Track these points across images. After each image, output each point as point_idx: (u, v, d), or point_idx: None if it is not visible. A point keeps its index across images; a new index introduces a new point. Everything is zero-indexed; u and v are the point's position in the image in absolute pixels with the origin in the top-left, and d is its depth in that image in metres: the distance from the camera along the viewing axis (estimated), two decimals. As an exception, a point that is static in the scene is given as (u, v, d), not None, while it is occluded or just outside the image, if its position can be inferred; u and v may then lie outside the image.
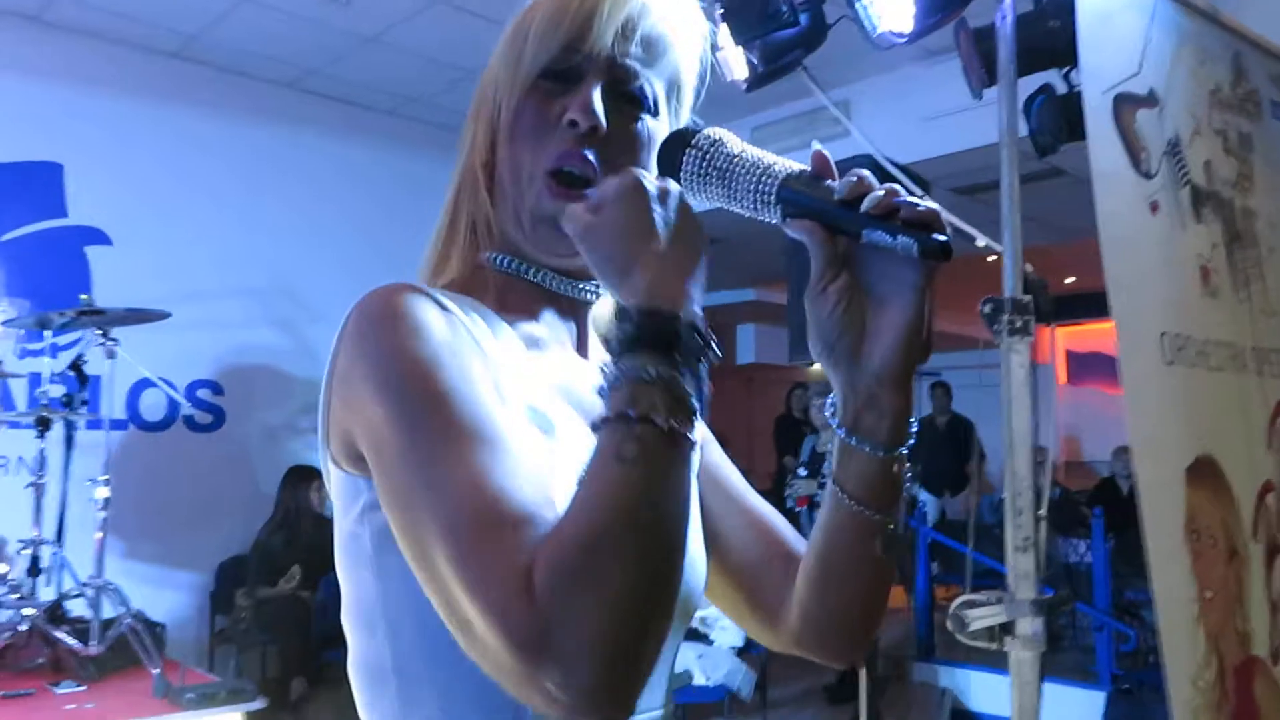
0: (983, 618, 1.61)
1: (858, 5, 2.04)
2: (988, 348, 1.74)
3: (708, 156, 0.71)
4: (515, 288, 0.79)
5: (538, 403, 0.72)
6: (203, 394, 4.91)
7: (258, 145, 5.07)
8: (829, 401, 0.74)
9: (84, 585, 3.22)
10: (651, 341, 0.60)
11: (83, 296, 3.49)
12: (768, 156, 0.71)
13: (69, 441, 3.66)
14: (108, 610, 3.21)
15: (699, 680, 3.82)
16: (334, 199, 5.22)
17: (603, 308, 0.86)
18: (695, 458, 0.61)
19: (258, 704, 3.10)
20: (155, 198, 4.73)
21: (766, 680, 4.17)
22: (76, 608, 3.41)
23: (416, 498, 0.61)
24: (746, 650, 3.96)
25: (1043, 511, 1.64)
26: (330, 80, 5.13)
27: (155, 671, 3.05)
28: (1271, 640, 1.73)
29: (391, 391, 0.64)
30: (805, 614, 0.80)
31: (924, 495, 6.89)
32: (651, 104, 0.77)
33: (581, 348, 0.83)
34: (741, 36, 2.17)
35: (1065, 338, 9.51)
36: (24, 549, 3.34)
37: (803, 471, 5.18)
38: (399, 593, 0.67)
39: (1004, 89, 1.70)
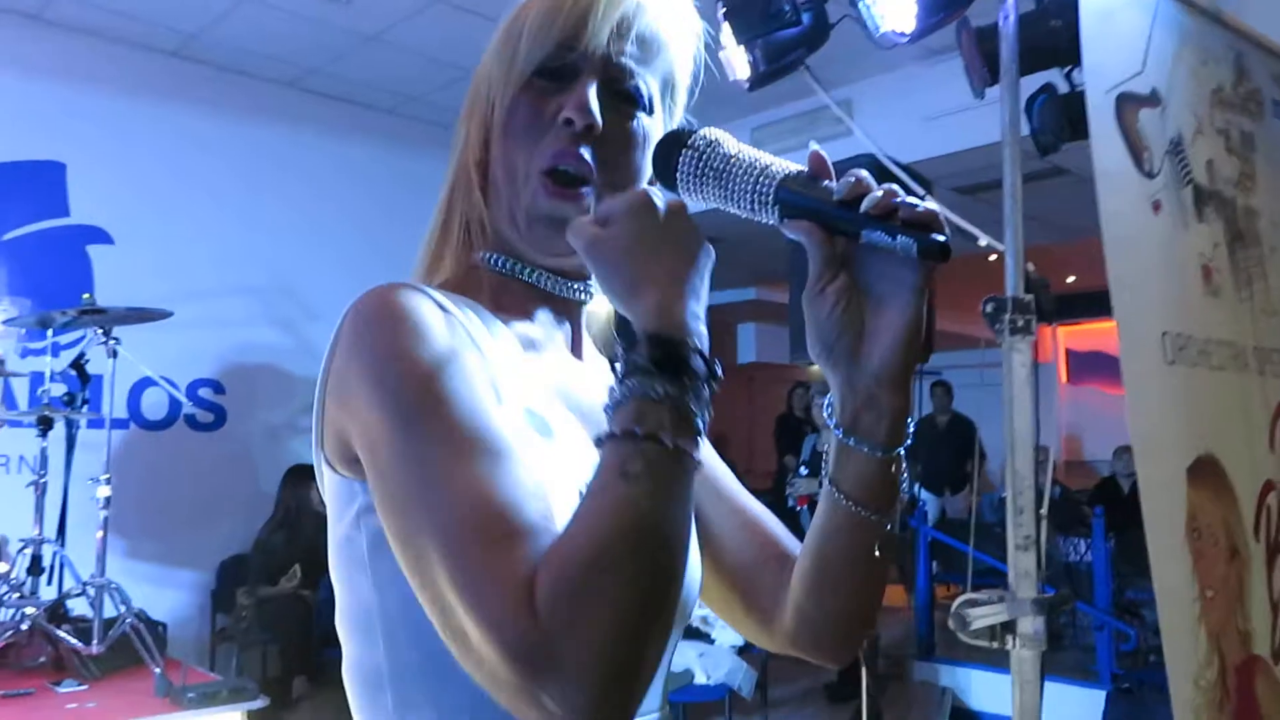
0: (984, 616, 1.61)
1: (860, 5, 2.04)
2: (989, 346, 1.74)
3: (704, 157, 0.70)
4: (510, 288, 0.78)
5: (535, 405, 0.71)
6: (204, 393, 4.91)
7: (258, 144, 5.07)
8: (826, 402, 0.73)
9: (85, 584, 3.22)
10: (660, 364, 0.60)
11: (85, 296, 3.49)
12: (764, 157, 0.70)
13: (70, 440, 3.67)
14: (109, 609, 3.21)
15: (700, 679, 3.82)
16: (334, 198, 5.22)
17: (597, 307, 0.86)
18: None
19: (259, 703, 3.10)
20: (156, 197, 4.74)
21: (767, 679, 4.18)
22: (78, 606, 3.41)
23: (414, 505, 0.60)
24: (747, 649, 3.96)
25: (1044, 510, 1.65)
26: (330, 79, 5.13)
27: (157, 670, 3.05)
28: (1273, 639, 1.73)
29: (389, 394, 0.63)
30: (800, 614, 0.80)
31: (924, 494, 6.89)
32: (647, 102, 0.77)
33: (576, 348, 0.83)
34: (744, 36, 2.17)
35: (1065, 337, 9.51)
36: (25, 548, 3.33)
37: (804, 470, 5.18)
38: (396, 599, 0.66)
39: (1006, 88, 1.70)
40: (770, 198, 0.69)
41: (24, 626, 3.13)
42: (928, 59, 4.35)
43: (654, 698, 0.75)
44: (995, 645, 1.63)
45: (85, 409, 3.61)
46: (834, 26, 2.19)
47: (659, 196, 0.68)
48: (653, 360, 0.60)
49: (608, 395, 0.61)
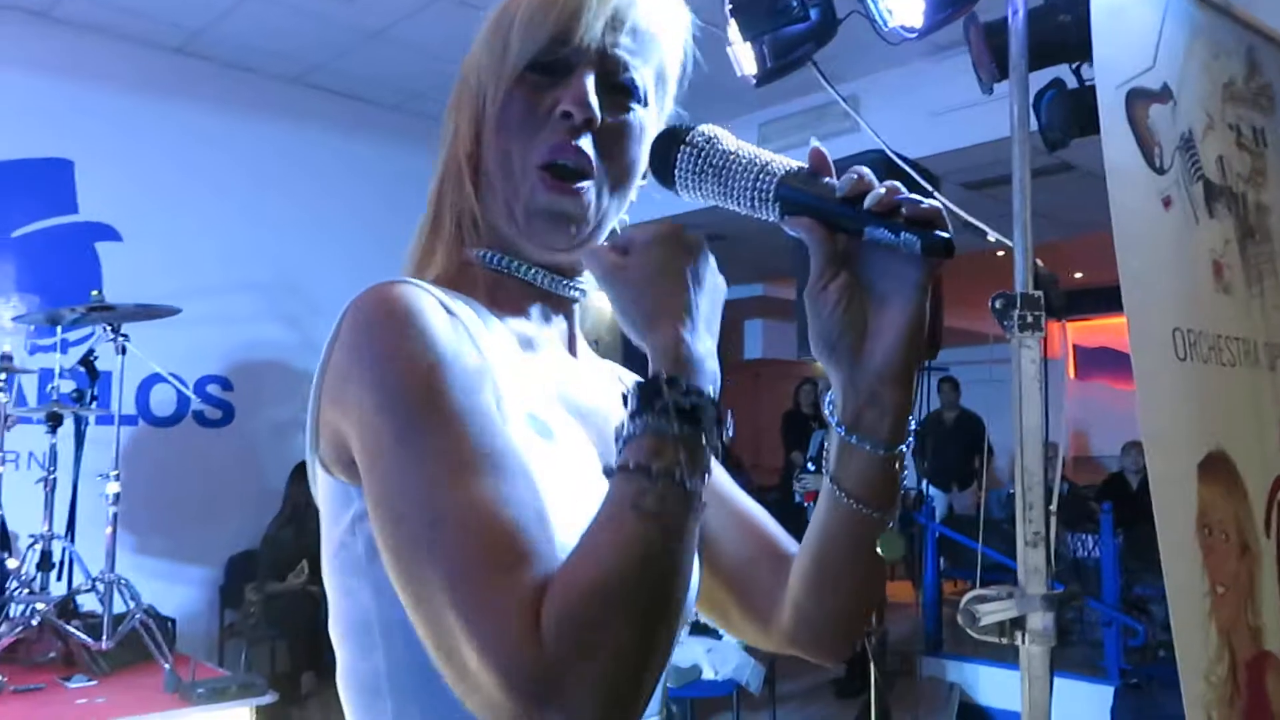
0: (993, 613, 1.61)
1: (869, 0, 2.04)
2: (997, 342, 1.74)
3: (703, 154, 0.70)
4: (505, 285, 0.77)
5: (535, 409, 0.71)
6: (212, 389, 4.93)
7: (263, 140, 5.08)
8: (828, 399, 0.73)
9: (95, 580, 3.23)
10: (677, 405, 0.60)
11: (94, 292, 3.50)
12: (763, 154, 0.70)
13: (80, 437, 3.68)
14: (119, 605, 3.23)
15: (708, 675, 3.82)
16: (339, 194, 5.23)
17: (594, 303, 0.85)
18: None
19: (268, 698, 3.11)
20: (163, 193, 4.75)
21: (775, 674, 4.18)
22: (88, 602, 3.43)
23: (412, 521, 0.59)
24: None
25: (1053, 507, 1.64)
26: (335, 75, 5.13)
27: (166, 666, 3.06)
28: (1283, 636, 1.72)
29: (390, 400, 0.61)
30: (799, 613, 0.80)
31: (932, 490, 6.88)
32: (642, 95, 0.76)
33: (571, 346, 0.83)
34: (751, 32, 2.16)
35: (1073, 333, 9.49)
36: (35, 544, 3.35)
37: (811, 467, 5.18)
38: (395, 607, 0.63)
39: (1016, 84, 1.69)
40: (771, 194, 0.68)
41: (34, 622, 3.14)
42: (935, 54, 4.33)
43: (653, 701, 0.74)
44: (1005, 641, 1.63)
45: (94, 405, 3.62)
46: (841, 22, 2.18)
47: (682, 231, 0.68)
48: (671, 400, 0.60)
49: (621, 426, 0.61)
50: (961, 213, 1.96)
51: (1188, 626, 1.50)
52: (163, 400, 4.75)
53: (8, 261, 4.46)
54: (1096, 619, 5.10)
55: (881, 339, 0.68)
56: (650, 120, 0.78)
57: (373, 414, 0.62)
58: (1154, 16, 1.72)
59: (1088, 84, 2.01)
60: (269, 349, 5.01)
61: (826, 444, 0.74)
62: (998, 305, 1.65)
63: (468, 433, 0.60)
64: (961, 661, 5.02)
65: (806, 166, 0.69)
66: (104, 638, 3.13)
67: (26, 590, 3.24)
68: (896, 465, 0.71)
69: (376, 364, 0.63)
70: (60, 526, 3.51)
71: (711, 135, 0.71)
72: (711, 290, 0.68)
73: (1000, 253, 2.34)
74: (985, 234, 2.11)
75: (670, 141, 0.71)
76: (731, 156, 0.70)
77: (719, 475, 0.88)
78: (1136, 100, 1.63)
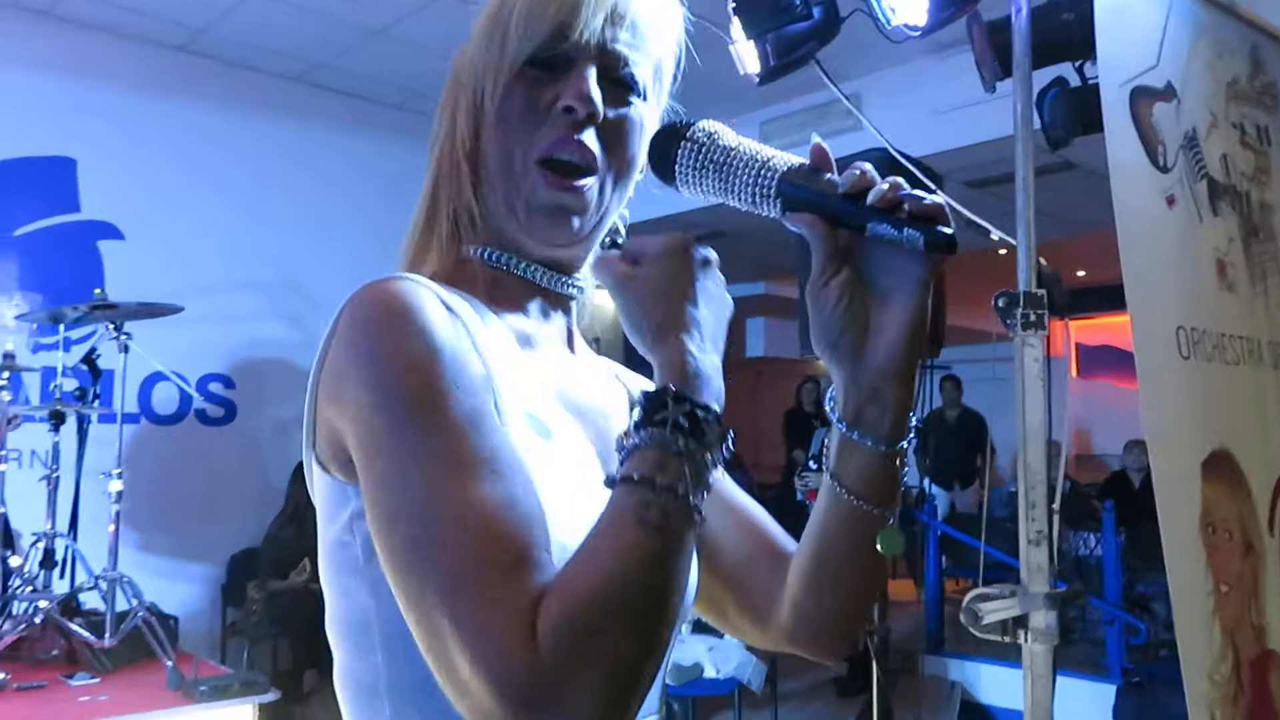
0: (996, 611, 1.61)
1: (871, -2, 2.03)
2: (1000, 340, 1.73)
3: (704, 150, 0.70)
4: (503, 282, 0.77)
5: (534, 407, 0.70)
6: (214, 388, 4.94)
7: (266, 139, 5.09)
8: (829, 395, 0.73)
9: (98, 578, 3.24)
10: (685, 419, 0.60)
11: (96, 291, 3.50)
12: (764, 149, 0.70)
13: (82, 435, 3.69)
14: (121, 603, 3.23)
15: (709, 673, 3.82)
16: (342, 192, 5.23)
17: (593, 302, 0.85)
18: None
19: (270, 696, 3.11)
20: (166, 192, 4.75)
21: (777, 673, 4.18)
22: (90, 600, 3.43)
23: (409, 522, 0.58)
24: (756, 643, 3.95)
25: (1056, 505, 1.64)
26: (337, 74, 5.13)
27: (169, 664, 3.07)
28: (1287, 635, 1.72)
29: (388, 399, 0.61)
30: (798, 610, 0.79)
31: (934, 489, 6.88)
32: (641, 90, 0.76)
33: (569, 343, 0.83)
34: (754, 30, 2.17)
35: (1075, 331, 9.48)
36: (38, 542, 3.35)
37: (812, 465, 5.18)
38: (394, 608, 0.62)
39: (1019, 82, 1.69)
40: (772, 191, 0.68)
41: (37, 620, 3.14)
42: (937, 52, 4.33)
43: (653, 698, 0.74)
44: (1007, 640, 1.63)
45: (97, 404, 3.62)
46: (844, 20, 2.18)
47: (693, 245, 0.68)
48: (676, 415, 0.60)
49: (625, 434, 0.61)
50: (964, 211, 1.96)
51: (1191, 625, 1.49)
52: (165, 398, 4.75)
53: (10, 260, 4.47)
54: (1098, 617, 5.10)
55: (883, 335, 0.68)
56: (649, 115, 0.77)
57: (370, 412, 0.61)
58: (1158, 15, 1.72)
59: (1090, 82, 2.01)
60: (271, 347, 5.01)
61: (827, 442, 0.74)
62: (1001, 304, 1.65)
63: (466, 433, 0.60)
64: (963, 660, 5.02)
65: (808, 163, 0.69)
66: (107, 635, 3.13)
67: (29, 588, 3.24)
68: (897, 462, 0.71)
69: (374, 362, 0.62)
70: (63, 524, 3.51)
71: (712, 131, 0.71)
72: (719, 305, 0.68)
73: (1003, 251, 2.34)
74: (988, 232, 2.11)
75: (671, 137, 0.71)
76: (733, 152, 0.69)
77: (717, 475, 0.88)
78: (1140, 98, 1.63)
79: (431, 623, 0.56)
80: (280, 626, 4.51)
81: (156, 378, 4.56)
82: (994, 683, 4.82)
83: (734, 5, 2.17)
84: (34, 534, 3.39)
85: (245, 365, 4.99)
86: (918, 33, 2.03)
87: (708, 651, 3.83)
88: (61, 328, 3.61)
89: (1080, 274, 7.72)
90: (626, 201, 0.79)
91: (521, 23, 0.72)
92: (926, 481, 6.67)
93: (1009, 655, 4.11)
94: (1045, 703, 1.58)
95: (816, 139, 0.69)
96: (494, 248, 0.76)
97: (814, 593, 0.78)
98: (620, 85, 0.74)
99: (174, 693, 2.99)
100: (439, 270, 0.76)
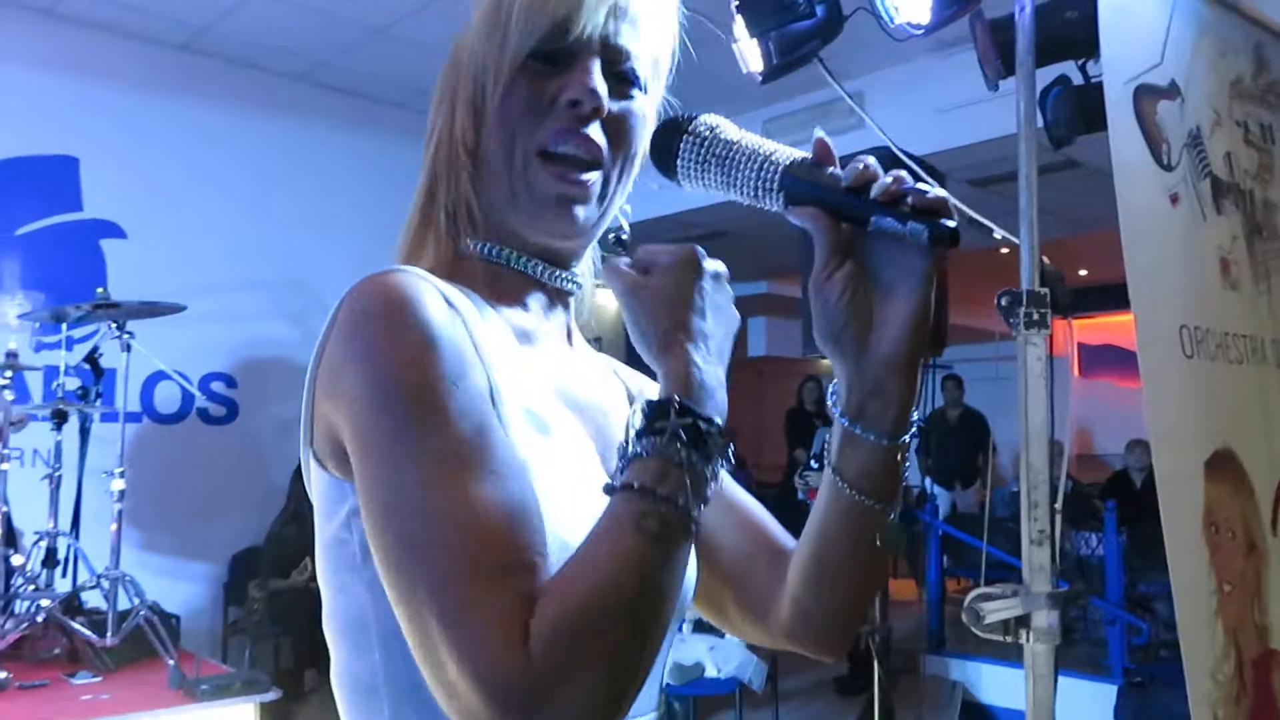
0: (998, 611, 1.61)
1: (874, -4, 2.03)
2: (1003, 339, 1.73)
3: (706, 143, 0.70)
4: (502, 276, 0.76)
5: (533, 403, 0.70)
6: (216, 387, 4.94)
7: (269, 137, 5.09)
8: (831, 389, 0.73)
9: (100, 576, 3.24)
10: (687, 431, 0.61)
11: (99, 290, 3.50)
12: (767, 143, 0.70)
13: (84, 434, 3.69)
14: (123, 601, 3.23)
15: (710, 672, 3.82)
16: (345, 191, 5.23)
17: (593, 299, 0.85)
18: None
19: (272, 695, 3.11)
20: (168, 191, 4.76)
21: (777, 672, 4.18)
22: (92, 599, 3.43)
23: (401, 519, 0.58)
24: (758, 642, 3.95)
25: (1058, 505, 1.64)
26: (339, 72, 5.13)
27: (171, 662, 3.07)
28: (1290, 634, 1.72)
29: (384, 394, 0.61)
30: (797, 607, 0.79)
31: (935, 488, 6.87)
32: (642, 83, 0.76)
33: (568, 338, 0.82)
34: (757, 28, 2.16)
35: (1076, 330, 9.46)
36: (40, 540, 3.36)
37: (814, 464, 5.18)
38: (391, 605, 0.62)
39: (1022, 80, 1.68)
40: (775, 184, 0.68)
41: (39, 619, 3.14)
42: (940, 51, 4.33)
43: (650, 697, 0.74)
44: (1009, 640, 1.62)
45: (99, 402, 3.63)
46: (847, 18, 2.18)
47: (703, 257, 0.68)
48: (679, 426, 0.60)
49: (626, 441, 0.61)
50: (967, 210, 1.95)
51: (1194, 625, 1.49)
52: (167, 397, 4.76)
53: (13, 259, 4.47)
54: (1100, 617, 5.10)
55: (887, 329, 0.68)
56: (650, 108, 0.77)
57: (366, 408, 0.61)
58: (1162, 13, 1.72)
59: (1093, 80, 2.00)
60: (273, 346, 5.01)
61: (827, 447, 0.74)
62: (1004, 303, 1.65)
63: (463, 431, 0.60)
64: (964, 660, 5.02)
65: (810, 157, 0.68)
66: (108, 634, 3.13)
67: (31, 587, 3.24)
68: (899, 456, 0.71)
69: (371, 356, 0.62)
70: (65, 523, 3.51)
71: (714, 124, 0.71)
72: (727, 319, 0.68)
73: (1005, 250, 2.34)
74: (991, 231, 2.11)
75: (672, 131, 0.71)
76: (735, 146, 0.69)
77: (715, 488, 0.87)
78: (1144, 97, 1.63)
79: (421, 622, 0.56)
80: (282, 625, 4.51)
81: (159, 377, 4.56)
82: (995, 682, 4.82)
83: (737, 4, 2.17)
84: (36, 533, 3.40)
85: (247, 364, 5.00)
86: (920, 31, 2.02)
87: (709, 651, 3.84)
88: (64, 326, 3.62)
89: (1082, 273, 7.72)
90: (626, 196, 0.79)
91: (523, 16, 0.71)
92: (928, 481, 6.67)
93: (1010, 655, 4.11)
94: (1047, 702, 1.57)
95: (819, 132, 0.69)
96: (493, 242, 0.76)
97: (814, 589, 0.77)
98: (622, 79, 0.74)
99: (176, 691, 2.99)
100: (437, 265, 0.75)
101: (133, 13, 4.47)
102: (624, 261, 0.69)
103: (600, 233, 0.79)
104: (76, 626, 3.16)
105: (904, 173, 0.65)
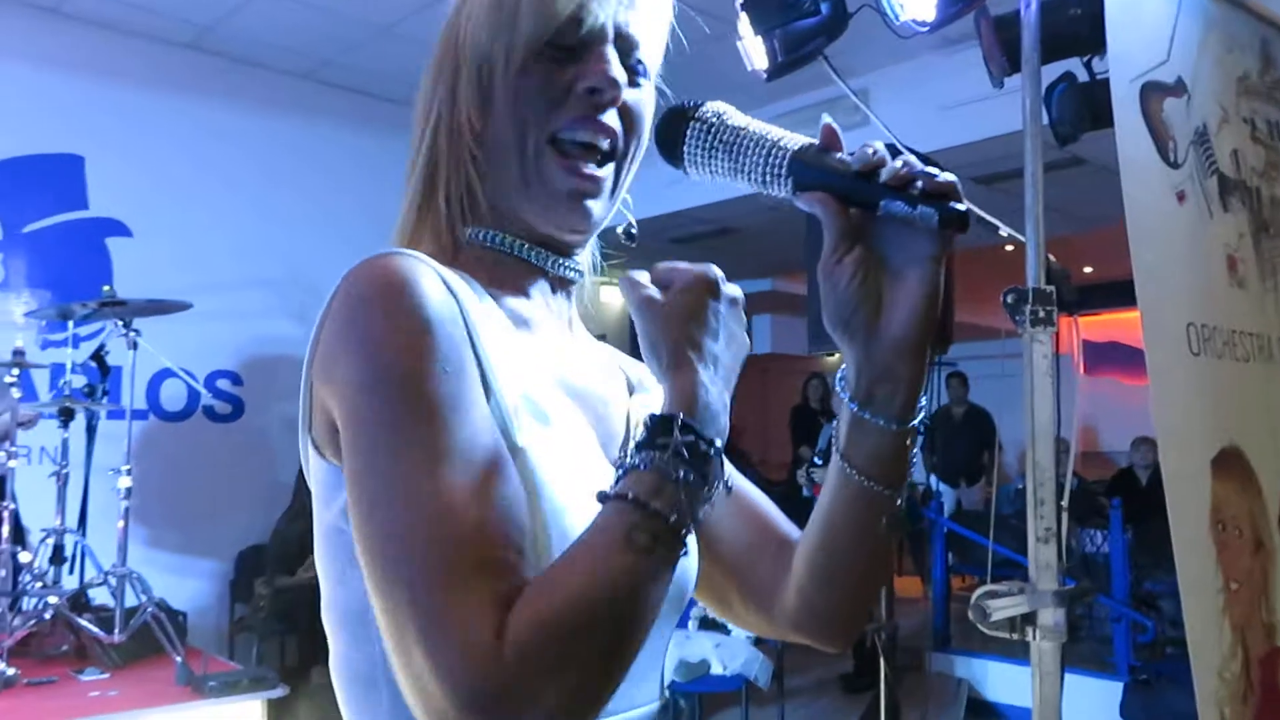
0: (1005, 608, 1.61)
1: (879, -7, 2.03)
2: (1009, 337, 1.73)
3: (713, 130, 0.69)
4: (503, 263, 0.76)
5: (532, 392, 0.69)
6: (222, 384, 4.95)
7: (274, 135, 5.09)
8: (839, 375, 0.72)
9: (107, 574, 3.25)
10: (688, 450, 0.61)
11: (105, 288, 3.51)
12: (774, 130, 0.69)
13: (91, 431, 3.70)
14: (130, 598, 3.24)
15: (716, 669, 3.83)
16: (350, 189, 5.23)
17: (601, 296, 0.85)
18: None
19: (279, 691, 3.12)
20: (174, 189, 4.76)
21: (783, 669, 4.18)
22: (100, 596, 3.44)
23: (386, 506, 0.58)
24: (763, 639, 3.96)
25: (1064, 503, 1.64)
26: (345, 71, 5.13)
27: (178, 659, 3.07)
28: (1296, 632, 1.71)
29: (377, 380, 0.60)
30: (803, 596, 0.79)
31: (940, 486, 6.87)
32: (649, 73, 0.76)
33: (570, 326, 0.82)
34: (762, 26, 2.16)
35: (1082, 327, 9.44)
36: (48, 538, 3.36)
37: (819, 461, 5.19)
38: (369, 595, 0.61)
39: (1028, 77, 1.68)
40: (783, 170, 0.68)
41: (47, 616, 3.16)
42: (944, 48, 4.31)
43: (652, 688, 0.74)
44: (1015, 637, 1.62)
45: (105, 400, 3.64)
46: (853, 16, 2.17)
47: (721, 279, 0.69)
48: (680, 444, 0.60)
49: (625, 452, 0.62)
50: (973, 207, 1.95)
51: (1201, 622, 1.49)
52: (173, 395, 4.77)
53: (19, 257, 4.48)
54: (1105, 615, 5.09)
55: (896, 312, 0.67)
56: (652, 97, 0.78)
57: (357, 393, 0.61)
58: (1168, 10, 1.71)
59: (1099, 77, 2.00)
60: (279, 344, 5.02)
61: (835, 434, 0.74)
62: (1010, 300, 1.64)
63: (453, 423, 0.60)
64: (970, 657, 5.02)
65: (818, 143, 0.68)
66: (116, 631, 3.14)
67: (39, 584, 3.25)
68: (908, 441, 0.71)
69: (366, 342, 0.61)
70: (72, 520, 3.52)
71: (721, 111, 0.70)
72: (738, 345, 0.69)
73: (1010, 247, 2.33)
74: (997, 229, 2.10)
75: (679, 118, 0.70)
76: (742, 132, 0.69)
77: (708, 510, 0.88)
78: (1151, 94, 1.62)
79: (395, 617, 0.56)
80: (288, 622, 4.52)
81: (165, 374, 4.57)
82: (1001, 680, 4.82)
83: (742, 1, 2.17)
84: (43, 530, 3.40)
85: (253, 362, 5.01)
86: (926, 28, 2.02)
87: (714, 648, 3.84)
88: (70, 324, 3.63)
89: (1087, 270, 7.70)
90: (627, 186, 0.80)
91: (533, 2, 0.71)
92: (933, 478, 6.67)
93: (1016, 652, 4.11)
94: (1053, 699, 1.57)
95: (826, 119, 0.69)
96: (495, 229, 0.76)
97: (820, 579, 0.77)
98: (631, 69, 0.75)
99: (183, 688, 3.00)
100: (437, 252, 0.74)
101: (138, 11, 4.48)
102: (641, 274, 0.69)
103: (605, 223, 0.79)
104: (84, 623, 3.17)
105: (913, 157, 0.66)
